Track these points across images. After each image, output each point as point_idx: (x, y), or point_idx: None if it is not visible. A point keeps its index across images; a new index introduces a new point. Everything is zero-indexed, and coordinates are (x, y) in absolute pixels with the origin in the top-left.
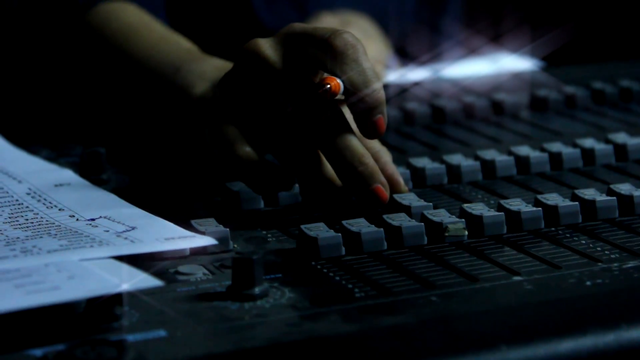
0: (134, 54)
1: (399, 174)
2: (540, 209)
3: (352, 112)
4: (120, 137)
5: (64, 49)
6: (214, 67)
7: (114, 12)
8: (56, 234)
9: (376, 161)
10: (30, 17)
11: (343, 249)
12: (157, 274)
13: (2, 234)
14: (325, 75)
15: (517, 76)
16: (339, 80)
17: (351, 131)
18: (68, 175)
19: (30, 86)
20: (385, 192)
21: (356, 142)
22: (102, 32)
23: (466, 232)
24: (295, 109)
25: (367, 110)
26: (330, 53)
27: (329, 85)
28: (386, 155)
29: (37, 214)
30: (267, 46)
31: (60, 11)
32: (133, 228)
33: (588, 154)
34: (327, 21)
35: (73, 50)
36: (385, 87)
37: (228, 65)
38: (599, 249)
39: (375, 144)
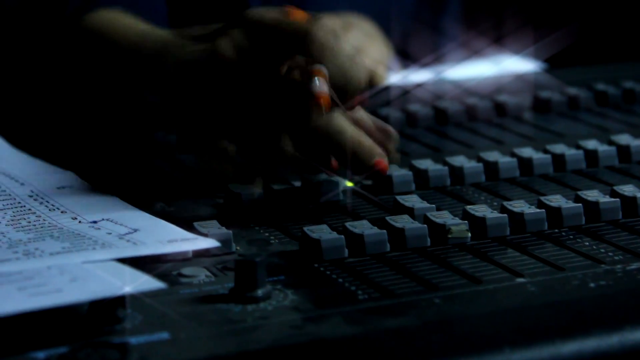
0: (116, 54)
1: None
2: (543, 210)
3: (335, 91)
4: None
5: (56, 59)
6: (191, 51)
7: (98, 19)
8: (58, 237)
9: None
10: (21, 29)
11: (346, 250)
12: (159, 276)
13: (4, 236)
14: (312, 67)
15: (520, 78)
16: (325, 72)
17: (339, 114)
18: (70, 177)
19: (31, 92)
20: (385, 163)
21: (348, 125)
22: (87, 41)
23: (469, 234)
24: (273, 102)
25: (350, 92)
26: (308, 46)
27: (324, 109)
28: (361, 112)
29: (40, 216)
30: (227, 48)
31: (49, 22)
32: (135, 230)
33: (591, 156)
34: (329, 22)
35: (64, 61)
36: (388, 88)
37: (203, 49)
38: (602, 250)
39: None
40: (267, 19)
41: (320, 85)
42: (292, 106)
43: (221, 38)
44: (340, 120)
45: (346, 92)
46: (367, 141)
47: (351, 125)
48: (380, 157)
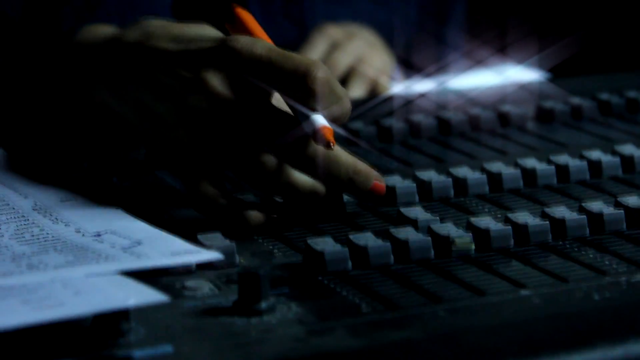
0: (95, 70)
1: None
2: (547, 221)
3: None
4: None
5: (51, 74)
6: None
7: (90, 34)
8: (62, 250)
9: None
10: (18, 44)
11: (350, 263)
12: (163, 289)
13: (8, 249)
14: (321, 127)
15: (523, 87)
16: (329, 125)
17: (335, 148)
18: (73, 190)
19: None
20: (381, 184)
21: (344, 156)
22: (78, 55)
23: (473, 246)
24: (271, 138)
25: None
26: (305, 92)
27: (330, 142)
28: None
29: (43, 229)
30: (219, 82)
31: (45, 38)
32: (139, 243)
33: (595, 166)
34: (331, 33)
35: (59, 76)
36: (390, 99)
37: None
38: (606, 262)
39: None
40: (258, 53)
41: (321, 119)
42: (285, 136)
43: (208, 71)
44: (336, 151)
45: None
46: (362, 165)
47: (347, 154)
48: (376, 179)
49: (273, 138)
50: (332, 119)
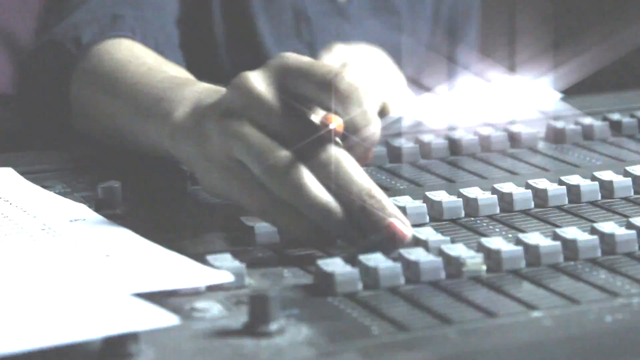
0: (121, 91)
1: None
2: (558, 243)
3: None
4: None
5: (68, 89)
6: (195, 91)
7: (108, 49)
8: (71, 271)
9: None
10: (39, 60)
11: (360, 284)
12: (172, 310)
13: (16, 270)
14: (327, 114)
15: (534, 107)
16: (340, 120)
17: (355, 165)
18: (83, 210)
19: (45, 122)
20: (401, 228)
21: (362, 176)
22: (96, 71)
23: (484, 267)
24: (295, 144)
25: (359, 145)
26: (333, 94)
27: (333, 124)
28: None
29: (52, 249)
30: (259, 81)
31: (64, 53)
32: (149, 264)
33: (606, 187)
34: (341, 52)
35: (77, 91)
36: (400, 119)
37: (212, 88)
38: (618, 283)
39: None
40: (302, 60)
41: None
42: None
43: (249, 72)
44: (354, 171)
45: (362, 143)
46: (380, 197)
47: (366, 177)
48: (400, 220)
49: (294, 139)
50: (351, 127)
